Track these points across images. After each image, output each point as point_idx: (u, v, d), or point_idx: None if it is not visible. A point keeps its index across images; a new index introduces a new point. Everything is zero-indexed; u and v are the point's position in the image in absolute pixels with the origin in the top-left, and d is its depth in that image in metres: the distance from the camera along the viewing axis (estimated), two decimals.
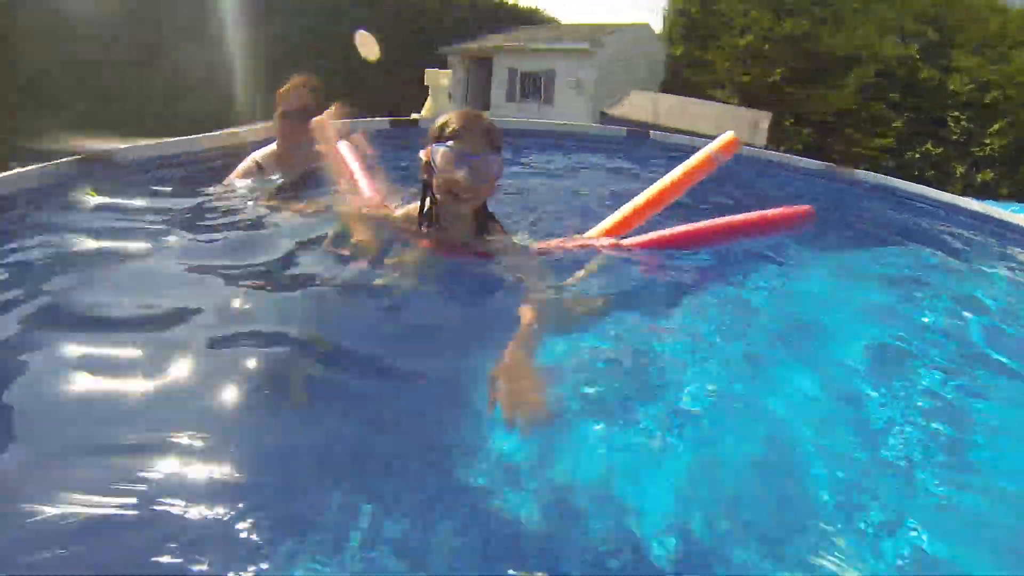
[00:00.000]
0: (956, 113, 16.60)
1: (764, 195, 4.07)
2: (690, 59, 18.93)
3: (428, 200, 1.84)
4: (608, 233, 2.10)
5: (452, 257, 1.87)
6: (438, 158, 1.73)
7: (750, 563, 0.98)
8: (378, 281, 1.78)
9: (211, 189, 2.59)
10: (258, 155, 2.72)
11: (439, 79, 6.80)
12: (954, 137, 16.62)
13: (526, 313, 1.53)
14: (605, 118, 14.40)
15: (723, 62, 18.15)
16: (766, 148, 9.66)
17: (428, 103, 6.76)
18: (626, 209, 2.17)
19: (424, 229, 1.87)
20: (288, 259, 1.86)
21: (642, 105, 14.73)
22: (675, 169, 2.22)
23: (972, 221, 3.89)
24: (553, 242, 2.06)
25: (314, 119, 2.48)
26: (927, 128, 16.72)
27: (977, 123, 16.34)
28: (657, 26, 20.14)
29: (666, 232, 1.99)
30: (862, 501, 1.14)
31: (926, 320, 2.05)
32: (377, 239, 1.89)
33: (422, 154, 1.80)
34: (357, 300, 1.73)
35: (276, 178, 2.64)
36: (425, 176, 1.82)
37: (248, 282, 1.70)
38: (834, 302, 2.12)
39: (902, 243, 3.22)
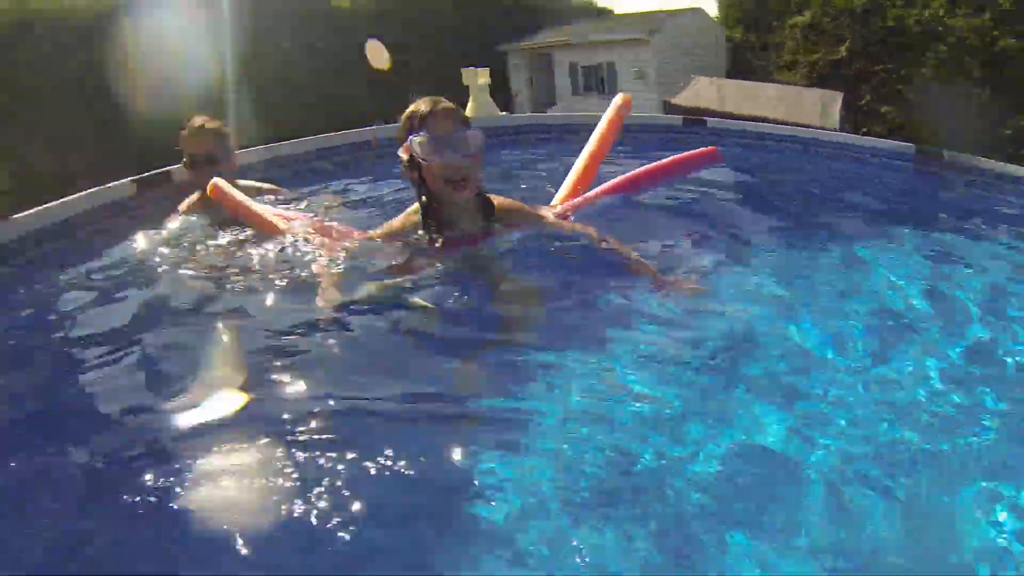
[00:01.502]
0: None
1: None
2: (751, 42, 17.93)
3: (425, 198, 1.77)
4: (571, 195, 2.34)
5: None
6: (417, 147, 1.69)
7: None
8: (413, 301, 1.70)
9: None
10: (183, 205, 2.51)
11: (477, 78, 6.49)
12: None
13: (595, 237, 1.89)
14: (670, 108, 13.58)
15: (788, 41, 17.06)
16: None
17: (471, 103, 6.45)
18: (572, 175, 2.42)
19: (430, 236, 1.79)
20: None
21: (707, 92, 13.87)
22: (591, 136, 2.55)
23: None
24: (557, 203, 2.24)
25: (209, 185, 2.16)
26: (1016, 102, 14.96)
27: None
28: (712, 10, 19.27)
29: (615, 181, 2.35)
30: None
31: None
32: (396, 259, 1.80)
33: (401, 152, 1.76)
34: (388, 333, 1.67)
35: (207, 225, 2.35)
36: (413, 174, 1.76)
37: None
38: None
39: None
